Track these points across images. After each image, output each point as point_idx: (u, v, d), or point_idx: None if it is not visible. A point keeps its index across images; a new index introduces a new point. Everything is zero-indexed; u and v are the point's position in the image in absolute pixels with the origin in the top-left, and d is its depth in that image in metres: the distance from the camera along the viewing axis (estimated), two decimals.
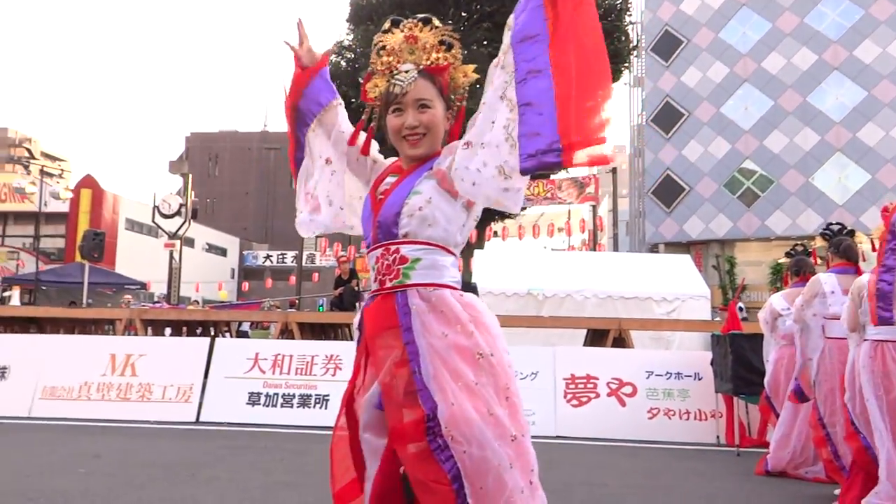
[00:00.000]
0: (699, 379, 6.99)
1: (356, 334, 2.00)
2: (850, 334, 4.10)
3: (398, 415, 1.78)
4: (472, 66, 2.01)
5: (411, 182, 1.91)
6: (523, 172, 1.67)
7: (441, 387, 1.75)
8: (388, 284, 1.89)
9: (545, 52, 1.66)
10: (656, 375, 7.05)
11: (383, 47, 1.99)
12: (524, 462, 1.77)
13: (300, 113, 2.19)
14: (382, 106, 2.00)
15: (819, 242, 5.12)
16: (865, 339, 3.90)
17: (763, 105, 31.19)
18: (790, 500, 4.53)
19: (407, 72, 1.94)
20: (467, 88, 2.02)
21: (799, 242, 6.02)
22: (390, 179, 1.99)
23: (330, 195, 2.16)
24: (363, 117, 2.08)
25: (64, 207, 28.20)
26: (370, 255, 1.96)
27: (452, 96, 2.00)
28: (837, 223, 5.05)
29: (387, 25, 2.02)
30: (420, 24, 1.98)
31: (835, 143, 29.74)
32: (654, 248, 32.67)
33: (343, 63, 19.92)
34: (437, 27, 1.98)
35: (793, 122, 30.44)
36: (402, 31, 1.98)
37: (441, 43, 1.97)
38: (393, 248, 1.89)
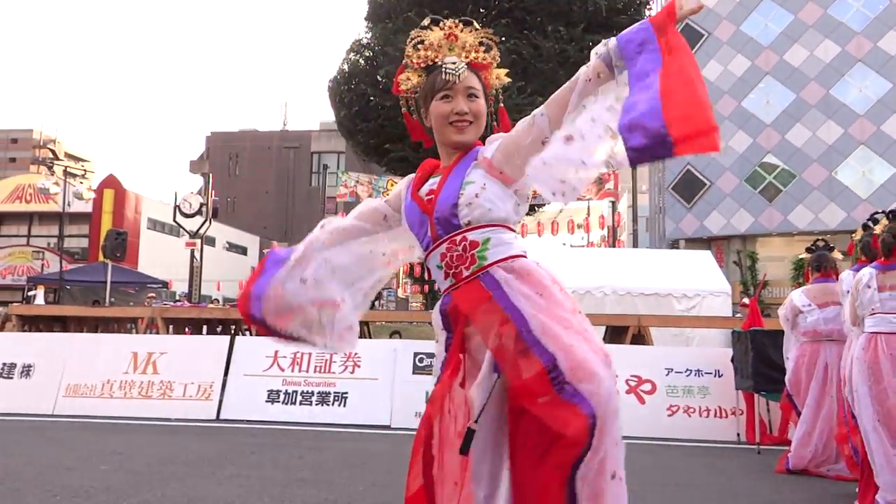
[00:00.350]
0: (719, 376, 6.92)
1: (441, 336, 1.94)
2: (851, 328, 4.09)
3: (516, 372, 1.74)
4: (504, 70, 2.05)
5: (460, 174, 1.92)
6: (631, 164, 1.61)
7: (553, 336, 1.73)
8: (466, 273, 1.86)
9: (657, 75, 1.62)
10: (676, 372, 7.00)
11: (421, 42, 2.02)
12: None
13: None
14: (425, 94, 2.01)
15: (858, 235, 5.03)
16: (863, 332, 3.90)
17: (785, 98, 30.78)
18: (812, 499, 4.47)
19: (454, 63, 1.96)
20: (501, 91, 2.06)
21: (820, 238, 5.91)
22: (434, 179, 1.99)
23: (331, 289, 2.13)
24: (403, 110, 2.09)
25: (87, 207, 28.52)
26: (432, 256, 1.92)
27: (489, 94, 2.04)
28: (884, 211, 4.94)
29: (426, 22, 2.05)
30: (461, 24, 2.02)
31: (858, 136, 29.29)
32: (674, 245, 32.42)
33: (361, 61, 19.97)
34: (477, 29, 2.03)
35: (815, 116, 30.02)
36: (443, 29, 2.02)
37: (481, 44, 2.01)
38: (459, 237, 1.88)
